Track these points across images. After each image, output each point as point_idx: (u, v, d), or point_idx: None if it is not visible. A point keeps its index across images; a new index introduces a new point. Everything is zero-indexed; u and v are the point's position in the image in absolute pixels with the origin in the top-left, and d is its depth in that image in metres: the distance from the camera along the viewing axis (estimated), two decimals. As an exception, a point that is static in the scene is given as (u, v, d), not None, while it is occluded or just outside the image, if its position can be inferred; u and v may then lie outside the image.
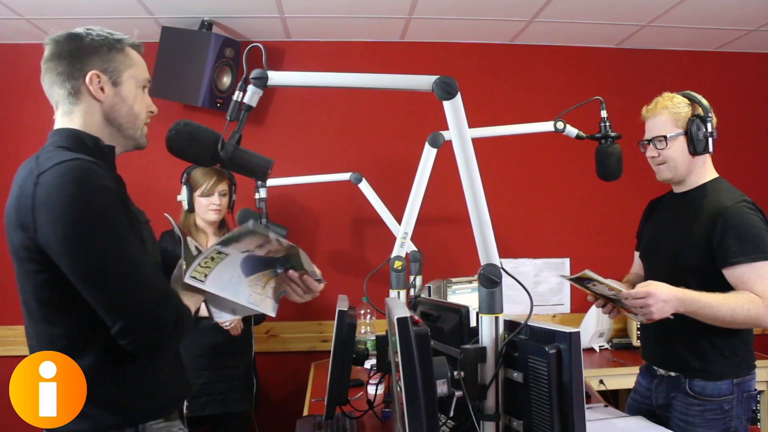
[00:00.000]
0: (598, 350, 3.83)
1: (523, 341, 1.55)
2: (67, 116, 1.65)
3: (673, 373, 2.36)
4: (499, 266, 1.60)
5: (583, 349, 3.91)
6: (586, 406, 1.42)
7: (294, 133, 3.99)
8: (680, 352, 2.32)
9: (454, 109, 1.59)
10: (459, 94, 1.58)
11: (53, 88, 1.64)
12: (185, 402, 1.77)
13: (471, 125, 1.62)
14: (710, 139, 2.29)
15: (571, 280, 2.21)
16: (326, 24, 3.75)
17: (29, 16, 3.43)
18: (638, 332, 3.73)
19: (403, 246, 2.45)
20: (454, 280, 3.30)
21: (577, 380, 1.42)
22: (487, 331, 1.59)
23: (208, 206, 3.10)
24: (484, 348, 1.57)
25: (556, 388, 1.43)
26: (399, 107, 4.03)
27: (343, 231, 4.02)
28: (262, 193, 3.15)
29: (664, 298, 2.09)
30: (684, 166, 2.33)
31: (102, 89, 1.64)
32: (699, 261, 2.25)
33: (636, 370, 3.38)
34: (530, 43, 4.09)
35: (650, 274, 2.40)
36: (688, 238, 2.29)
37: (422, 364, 1.36)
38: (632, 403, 2.56)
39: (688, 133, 2.29)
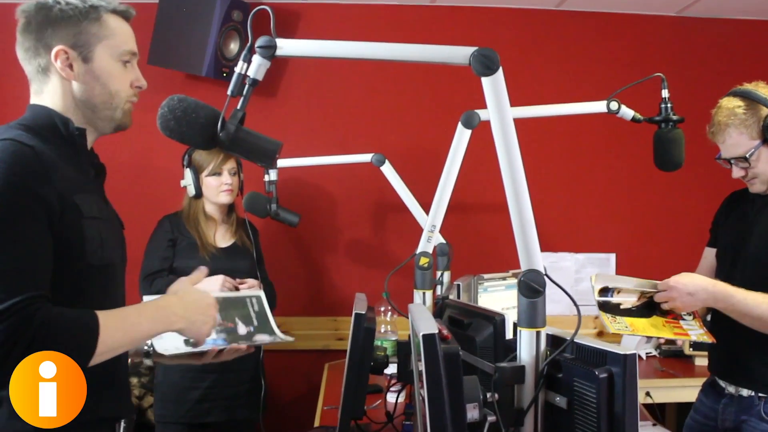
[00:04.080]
0: (645, 358, 3.72)
1: (569, 361, 1.47)
2: (37, 95, 1.63)
3: (745, 392, 2.26)
4: (543, 273, 1.50)
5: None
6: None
7: (309, 109, 3.92)
8: (756, 365, 2.23)
9: (494, 86, 1.48)
10: (501, 69, 1.47)
11: (24, 64, 1.63)
12: (122, 422, 1.71)
13: (511, 104, 1.52)
14: None
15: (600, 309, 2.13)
16: (347, -16, 3.65)
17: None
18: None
19: (430, 240, 2.37)
20: (486, 276, 3.20)
21: (632, 410, 1.35)
22: (527, 348, 1.50)
23: (219, 187, 3.04)
24: (523, 367, 1.49)
25: (606, 418, 1.35)
26: (428, 81, 3.93)
27: (363, 219, 3.95)
28: (273, 175, 3.08)
29: (690, 290, 2.09)
30: None
31: (71, 66, 1.59)
32: None
33: (688, 382, 3.30)
34: (578, 9, 3.97)
35: (730, 277, 2.29)
36: None
37: (451, 387, 1.29)
38: (693, 425, 2.47)
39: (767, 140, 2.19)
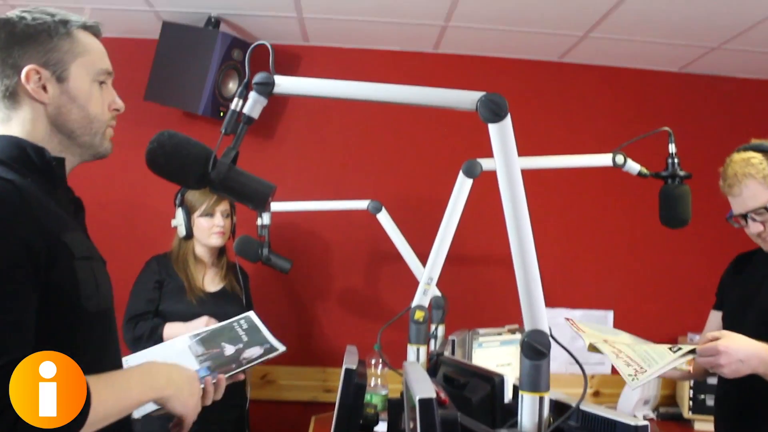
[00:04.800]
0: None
1: (574, 430, 1.37)
2: (3, 124, 1.46)
3: None
4: (549, 334, 1.41)
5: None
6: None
7: (306, 152, 3.86)
8: (764, 430, 2.13)
9: (501, 133, 1.41)
10: (509, 116, 1.40)
11: None
12: None
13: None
14: None
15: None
16: (350, 28, 3.62)
17: (13, 1, 3.31)
18: (690, 402, 3.56)
19: (427, 293, 2.29)
20: (481, 331, 3.12)
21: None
22: (529, 414, 1.40)
23: (211, 228, 2.97)
24: (523, 436, 1.38)
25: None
26: (429, 129, 3.89)
27: (357, 268, 3.87)
28: (266, 219, 2.99)
29: (741, 356, 1.91)
30: None
31: (44, 88, 1.44)
32: None
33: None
34: (581, 62, 3.95)
35: None
36: None
37: (448, 457, 1.18)
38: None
39: None
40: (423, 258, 2.38)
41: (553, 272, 3.89)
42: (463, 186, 2.29)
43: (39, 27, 1.44)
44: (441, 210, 2.33)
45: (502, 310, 3.69)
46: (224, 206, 2.99)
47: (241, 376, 1.87)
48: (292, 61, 3.83)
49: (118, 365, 1.58)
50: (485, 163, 2.25)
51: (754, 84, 4.02)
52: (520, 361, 1.43)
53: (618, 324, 3.88)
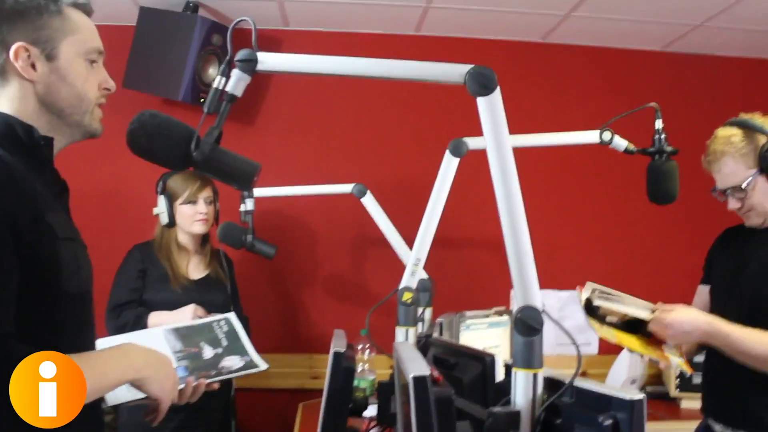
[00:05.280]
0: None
1: (568, 406, 1.35)
2: None
3: None
4: (541, 309, 1.39)
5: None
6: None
7: (289, 136, 3.82)
8: (752, 405, 2.16)
9: (491, 107, 1.39)
10: (498, 89, 1.37)
11: None
12: None
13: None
14: None
15: (586, 313, 2.13)
16: (330, 11, 3.59)
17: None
18: (676, 380, 3.56)
19: (414, 274, 2.26)
20: (468, 314, 3.09)
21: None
22: (522, 391, 1.38)
23: (194, 216, 2.93)
24: (518, 412, 1.36)
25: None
26: (414, 108, 3.86)
27: (342, 252, 3.84)
28: (249, 205, 2.95)
29: (686, 328, 2.07)
30: None
31: (33, 66, 1.43)
32: None
33: (674, 425, 3.21)
34: (564, 42, 3.92)
35: (724, 314, 2.21)
36: None
37: (443, 435, 1.15)
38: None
39: (764, 170, 2.13)
40: (409, 241, 2.36)
41: (540, 253, 3.84)
42: (449, 165, 2.27)
43: (28, 4, 1.42)
44: (427, 191, 2.31)
45: (489, 293, 3.68)
46: (207, 193, 2.95)
47: (216, 386, 1.85)
48: (272, 45, 3.78)
49: (93, 348, 1.56)
50: (471, 142, 2.23)
51: (738, 62, 4.02)
52: (513, 338, 1.41)
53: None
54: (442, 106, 3.73)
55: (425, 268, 2.80)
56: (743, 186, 2.15)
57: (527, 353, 1.38)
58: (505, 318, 3.25)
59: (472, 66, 1.38)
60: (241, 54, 1.46)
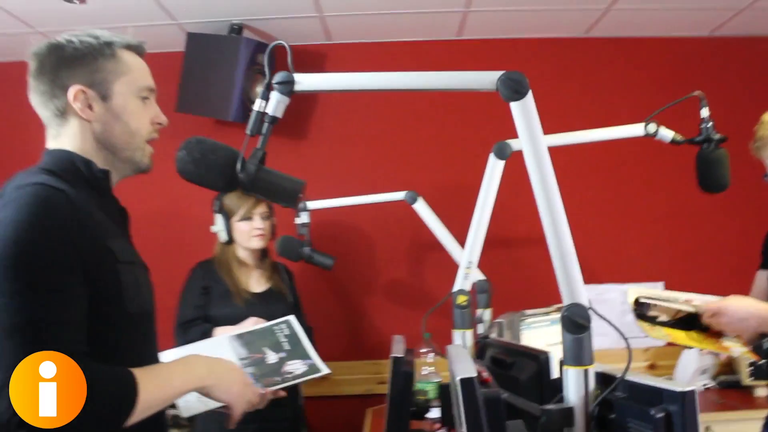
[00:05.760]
0: (703, 390, 3.55)
1: (621, 400, 1.36)
2: (55, 140, 1.56)
3: None
4: (588, 306, 1.40)
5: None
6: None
7: (340, 148, 3.89)
8: None
9: (524, 111, 1.40)
10: (530, 92, 1.39)
11: (39, 109, 1.56)
12: None
13: (543, 132, 1.44)
14: None
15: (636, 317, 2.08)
16: (371, 22, 3.64)
17: (42, 28, 3.38)
18: (749, 368, 3.49)
19: (468, 277, 2.29)
20: (528, 312, 3.09)
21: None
22: (574, 388, 1.39)
23: (251, 231, 2.99)
24: (571, 409, 1.37)
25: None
26: (458, 115, 3.88)
27: (398, 258, 3.88)
28: (304, 218, 3.02)
29: (741, 315, 1.97)
30: None
31: (90, 107, 1.53)
32: None
33: (749, 414, 3.14)
34: (607, 35, 3.89)
35: None
36: None
37: (493, 434, 1.17)
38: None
39: None
40: (463, 243, 2.37)
41: (600, 249, 3.86)
42: (495, 168, 2.29)
43: (85, 49, 1.52)
44: (476, 194, 2.32)
45: (549, 290, 3.64)
46: (262, 209, 3.00)
47: (283, 393, 1.89)
48: (317, 59, 3.85)
49: (156, 362, 1.63)
50: (515, 144, 2.24)
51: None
52: (562, 336, 1.42)
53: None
54: (484, 110, 3.71)
55: (482, 269, 2.81)
56: None
57: (576, 350, 1.39)
58: (566, 314, 3.22)
59: (503, 72, 1.40)
60: (278, 77, 1.50)
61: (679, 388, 1.24)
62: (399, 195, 3.14)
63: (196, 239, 3.37)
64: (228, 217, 2.97)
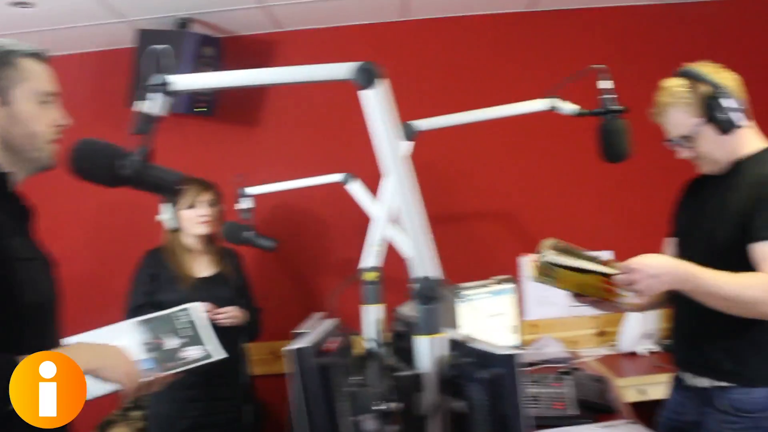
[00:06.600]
0: (647, 354, 3.62)
1: (467, 365, 1.45)
2: None
3: (705, 382, 2.17)
4: (437, 280, 1.50)
5: (625, 354, 3.64)
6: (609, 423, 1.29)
7: (290, 134, 3.97)
8: (714, 352, 2.14)
9: (377, 98, 1.50)
10: (383, 80, 1.48)
11: None
12: None
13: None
14: (735, 114, 2.10)
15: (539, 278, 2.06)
16: (317, 8, 3.69)
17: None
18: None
19: (378, 254, 2.36)
20: (463, 285, 3.18)
21: (516, 412, 1.32)
22: (426, 355, 1.49)
23: (196, 219, 3.09)
24: (419, 375, 1.48)
25: (494, 422, 1.34)
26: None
27: (347, 238, 3.93)
28: (246, 203, 3.11)
29: (653, 271, 1.94)
30: (723, 153, 2.17)
31: None
32: (734, 239, 2.07)
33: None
34: (550, 8, 3.93)
35: (684, 260, 2.14)
36: (723, 214, 2.13)
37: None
38: (662, 421, 2.40)
39: (710, 118, 2.11)
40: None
41: (547, 219, 3.90)
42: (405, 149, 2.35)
43: None
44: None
45: (498, 263, 3.72)
46: (208, 196, 3.10)
47: (179, 375, 1.98)
48: (267, 48, 3.91)
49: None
50: (419, 124, 2.31)
51: (692, 6, 3.92)
52: (416, 308, 1.51)
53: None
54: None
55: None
56: (689, 135, 2.15)
57: (429, 320, 1.50)
58: (511, 285, 3.29)
59: (360, 63, 1.49)
60: (152, 79, 1.61)
61: (502, 352, 1.34)
62: (336, 177, 3.17)
63: (149, 228, 3.47)
64: (175, 205, 3.08)
